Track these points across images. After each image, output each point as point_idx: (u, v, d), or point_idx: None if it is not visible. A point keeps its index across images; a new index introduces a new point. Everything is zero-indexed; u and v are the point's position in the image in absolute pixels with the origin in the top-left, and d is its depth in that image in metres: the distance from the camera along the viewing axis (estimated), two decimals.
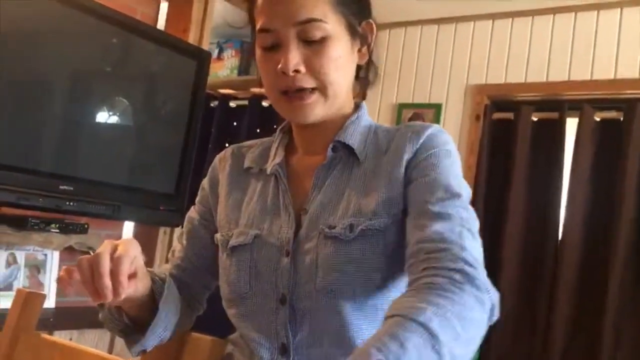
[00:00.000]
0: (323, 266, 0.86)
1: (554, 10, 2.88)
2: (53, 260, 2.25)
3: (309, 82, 0.88)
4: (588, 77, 2.78)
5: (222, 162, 1.06)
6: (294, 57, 0.87)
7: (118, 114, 2.27)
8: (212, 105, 3.71)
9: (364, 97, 1.03)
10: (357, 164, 0.93)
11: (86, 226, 2.27)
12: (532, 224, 2.79)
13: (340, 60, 0.90)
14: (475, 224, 0.85)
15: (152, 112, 2.40)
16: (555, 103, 2.84)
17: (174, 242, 1.09)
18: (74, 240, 2.24)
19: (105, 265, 0.72)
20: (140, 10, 2.57)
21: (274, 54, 0.89)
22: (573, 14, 2.85)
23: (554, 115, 2.82)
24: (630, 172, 2.56)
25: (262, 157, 1.02)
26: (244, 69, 3.79)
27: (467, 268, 0.76)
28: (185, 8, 2.55)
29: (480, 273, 0.78)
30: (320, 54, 0.88)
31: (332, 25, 0.88)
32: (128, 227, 2.64)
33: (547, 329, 2.65)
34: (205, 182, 1.08)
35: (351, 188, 0.91)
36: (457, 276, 0.75)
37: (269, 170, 0.98)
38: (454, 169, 0.89)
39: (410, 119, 3.19)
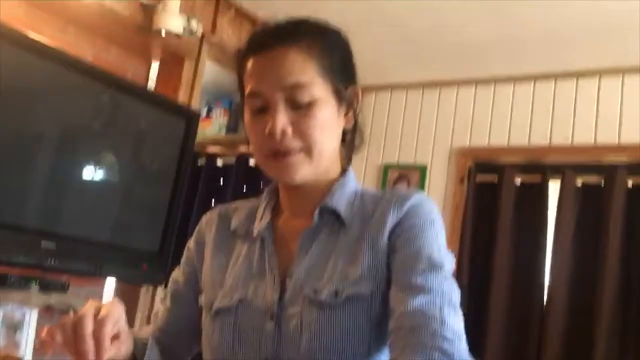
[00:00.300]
0: (307, 332, 0.85)
1: (535, 77, 2.98)
2: (31, 319, 2.19)
3: (295, 144, 0.89)
4: (569, 142, 2.85)
5: (208, 224, 1.06)
6: (281, 120, 0.88)
7: (105, 170, 2.27)
8: (199, 163, 3.73)
9: (349, 161, 1.04)
10: (343, 229, 0.94)
11: (67, 284, 2.22)
12: (518, 286, 2.79)
13: (327, 123, 0.92)
14: (456, 296, 0.85)
15: (140, 169, 2.41)
16: (538, 167, 2.89)
17: (157, 302, 1.08)
18: (53, 298, 2.19)
19: (88, 327, 0.72)
20: (131, 70, 2.61)
21: (262, 117, 0.90)
22: (553, 80, 2.95)
23: (537, 178, 2.86)
24: (612, 235, 2.59)
25: (249, 219, 1.02)
26: (232, 127, 3.83)
27: (445, 345, 0.77)
28: (175, 68, 2.60)
29: (460, 348, 0.78)
30: (306, 117, 0.89)
31: (319, 90, 0.90)
32: (109, 285, 2.60)
33: None
34: (191, 243, 1.07)
35: (337, 253, 0.91)
36: (436, 355, 0.76)
37: (255, 233, 0.98)
38: (438, 240, 0.90)
39: (395, 181, 3.22)
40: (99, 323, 0.73)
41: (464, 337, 0.81)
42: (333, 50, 0.94)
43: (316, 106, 0.90)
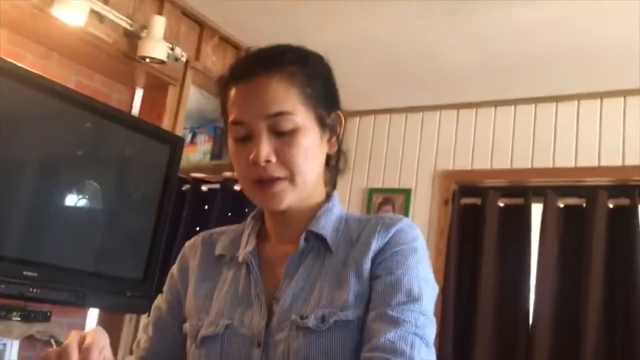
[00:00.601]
0: (294, 357, 0.84)
1: (515, 102, 3.03)
2: (12, 350, 2.15)
3: (279, 172, 0.90)
4: (550, 165, 2.88)
5: (192, 250, 1.05)
6: (265, 148, 0.89)
7: (88, 197, 2.25)
8: (183, 188, 3.72)
9: (334, 186, 1.04)
10: (328, 254, 0.93)
11: (49, 314, 2.19)
12: (504, 306, 2.80)
13: (310, 150, 0.92)
14: (430, 331, 0.86)
15: (123, 196, 2.39)
16: (520, 189, 2.92)
17: (140, 331, 1.06)
18: (35, 328, 2.15)
19: (74, 357, 0.71)
20: (115, 97, 2.61)
21: (246, 145, 0.91)
22: (533, 105, 3.00)
23: (520, 200, 2.89)
24: (595, 255, 2.62)
25: (234, 244, 1.01)
26: (216, 153, 3.83)
27: None
28: (159, 95, 2.60)
29: None
30: (290, 144, 0.90)
31: (302, 118, 0.91)
32: (92, 315, 2.56)
33: None
34: (174, 269, 1.06)
35: (322, 278, 0.91)
36: None
37: (240, 259, 0.97)
38: (419, 269, 0.90)
39: (380, 204, 3.23)
40: (84, 352, 0.72)
41: None
42: (315, 78, 0.95)
43: (299, 133, 0.91)
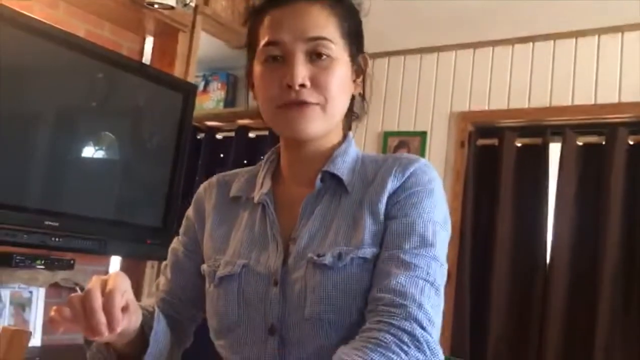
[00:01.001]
0: (311, 294, 0.85)
1: (533, 39, 2.95)
2: (39, 297, 2.22)
3: (312, 97, 0.88)
4: (569, 103, 2.83)
5: (207, 192, 1.05)
6: (302, 71, 0.87)
7: (104, 148, 2.26)
8: (198, 137, 3.72)
9: (349, 128, 1.03)
10: (345, 194, 0.93)
11: (72, 262, 2.24)
12: (520, 248, 2.81)
13: (343, 82, 0.92)
14: (442, 277, 0.86)
15: (139, 146, 2.40)
16: (538, 129, 2.88)
17: (160, 275, 1.08)
18: (60, 276, 2.21)
19: (98, 300, 0.71)
20: (126, 46, 2.58)
21: (278, 68, 0.89)
22: (552, 41, 2.91)
23: (537, 140, 2.86)
24: (614, 194, 2.59)
25: (249, 185, 1.01)
26: (230, 101, 3.82)
27: (417, 330, 0.78)
28: (170, 42, 2.57)
29: (431, 336, 0.79)
30: (326, 71, 0.89)
31: (339, 49, 0.91)
32: (115, 262, 2.62)
33: (538, 352, 2.64)
34: (190, 212, 1.07)
35: (339, 218, 0.91)
36: (405, 337, 0.77)
37: (256, 199, 0.97)
38: (435, 212, 0.89)
39: (396, 147, 3.21)
40: (107, 296, 0.72)
41: (438, 322, 0.82)
42: (352, 15, 0.95)
43: (336, 63, 0.90)
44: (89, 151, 2.22)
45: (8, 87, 1.94)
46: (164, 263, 1.07)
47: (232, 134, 3.67)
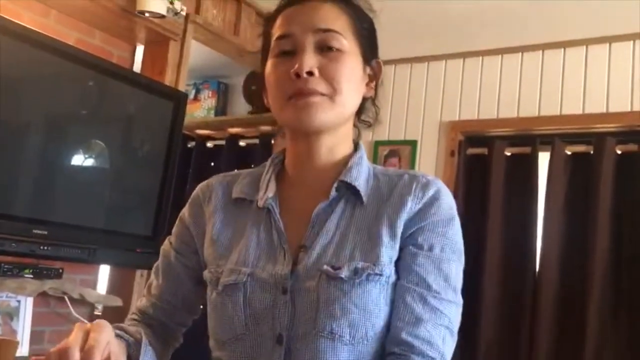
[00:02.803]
0: (325, 307, 0.84)
1: (522, 49, 2.97)
2: (27, 306, 2.20)
3: (320, 86, 0.88)
4: (557, 113, 2.85)
5: (205, 193, 1.00)
6: (310, 60, 0.87)
7: (94, 156, 2.25)
8: (189, 145, 3.72)
9: (359, 135, 1.02)
10: (359, 206, 0.92)
11: (61, 271, 2.22)
12: (510, 256, 2.82)
13: (353, 76, 0.91)
14: (458, 319, 0.90)
15: (129, 154, 2.39)
16: (527, 138, 2.90)
17: (151, 275, 1.05)
18: (48, 285, 2.19)
19: (75, 359, 0.69)
20: (116, 54, 2.58)
21: (288, 60, 0.89)
22: (541, 52, 2.94)
23: (527, 149, 2.88)
24: (603, 203, 2.61)
25: (252, 187, 0.98)
26: (220, 109, 3.82)
27: None
28: (161, 50, 2.57)
29: None
30: (335, 61, 0.89)
31: (349, 44, 0.91)
32: (104, 271, 2.60)
33: (529, 359, 2.65)
34: (184, 214, 1.02)
35: (354, 231, 0.89)
36: None
37: (260, 204, 0.94)
38: (457, 244, 0.92)
39: (386, 157, 3.22)
40: (86, 354, 0.70)
41: None
42: (364, 18, 0.96)
43: (346, 55, 0.90)
44: (79, 159, 2.21)
45: None
46: (155, 264, 1.04)
47: (223, 142, 3.66)
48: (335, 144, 0.94)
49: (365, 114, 1.02)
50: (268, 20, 0.96)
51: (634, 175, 2.62)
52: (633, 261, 2.56)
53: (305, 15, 0.90)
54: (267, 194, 0.94)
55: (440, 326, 0.86)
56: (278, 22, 0.93)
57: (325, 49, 0.89)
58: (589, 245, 2.61)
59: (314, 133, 0.92)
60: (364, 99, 0.98)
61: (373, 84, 0.98)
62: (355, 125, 1.00)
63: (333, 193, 0.92)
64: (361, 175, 0.94)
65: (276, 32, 0.92)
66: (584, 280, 2.59)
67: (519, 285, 2.76)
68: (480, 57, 3.09)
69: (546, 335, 2.63)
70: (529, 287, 2.72)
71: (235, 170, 1.05)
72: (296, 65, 0.87)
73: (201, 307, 1.04)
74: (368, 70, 0.96)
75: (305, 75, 0.87)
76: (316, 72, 0.87)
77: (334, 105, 0.89)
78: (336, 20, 0.90)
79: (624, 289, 2.56)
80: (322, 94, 0.88)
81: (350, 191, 0.93)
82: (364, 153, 0.98)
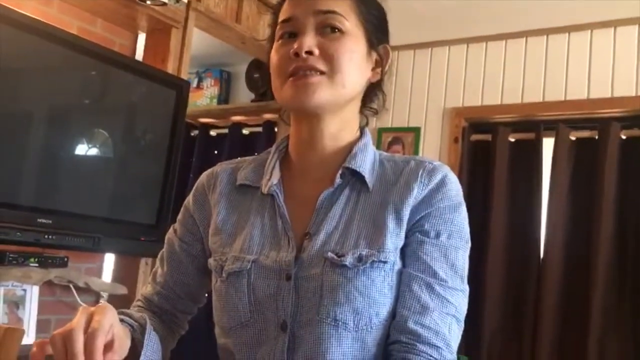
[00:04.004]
0: (329, 294, 0.84)
1: (526, 34, 2.95)
2: (32, 295, 2.21)
3: (319, 64, 0.88)
4: (562, 98, 2.84)
5: (209, 181, 1.00)
6: (309, 39, 0.88)
7: (98, 145, 2.26)
8: (192, 134, 3.72)
9: (366, 124, 1.02)
10: (364, 193, 0.92)
11: (66, 259, 2.23)
12: (514, 243, 2.82)
13: (355, 56, 0.90)
14: (465, 308, 0.90)
15: (132, 143, 2.39)
16: (531, 124, 2.89)
17: (157, 263, 1.05)
18: (53, 274, 2.20)
19: (79, 343, 0.69)
20: (118, 42, 2.57)
21: (289, 42, 0.90)
22: (545, 36, 2.92)
23: (531, 135, 2.87)
24: (607, 188, 2.61)
25: (257, 174, 0.97)
26: (223, 97, 3.81)
27: None
28: (163, 39, 2.56)
29: None
30: (336, 41, 0.89)
31: (352, 26, 0.91)
32: (108, 259, 2.61)
33: (532, 345, 2.66)
34: (189, 202, 1.02)
35: (359, 218, 0.89)
36: None
37: (265, 190, 0.94)
38: (463, 230, 0.91)
39: (390, 143, 3.22)
40: (90, 337, 0.70)
41: (455, 350, 0.87)
42: (371, 2, 0.96)
43: (346, 36, 0.90)
44: (82, 148, 2.21)
45: (0, 84, 1.93)
46: (160, 252, 1.04)
47: (226, 130, 3.66)
48: (339, 129, 0.94)
49: (371, 100, 1.01)
50: (276, 7, 0.97)
51: (639, 160, 2.61)
52: (637, 247, 2.56)
53: (309, 0, 0.91)
54: (272, 180, 0.94)
55: (447, 315, 0.86)
56: (284, 7, 0.94)
57: (327, 30, 0.89)
58: (594, 231, 2.60)
59: (315, 115, 0.91)
60: (371, 85, 0.97)
61: (379, 70, 0.97)
62: (361, 112, 0.99)
63: (338, 180, 0.91)
64: (366, 161, 0.93)
65: (281, 17, 0.93)
66: (588, 266, 2.59)
67: (523, 272, 2.76)
68: (484, 43, 3.07)
69: (550, 322, 2.63)
70: (533, 273, 2.73)
71: (238, 159, 1.04)
72: (295, 45, 0.87)
73: (206, 295, 1.05)
74: (374, 55, 0.96)
75: (304, 55, 0.87)
76: (316, 51, 0.88)
77: (333, 84, 0.88)
78: (339, 2, 0.90)
79: (628, 276, 2.56)
80: (321, 72, 0.88)
81: (355, 177, 0.93)
82: (369, 139, 0.98)
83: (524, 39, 2.97)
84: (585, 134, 2.77)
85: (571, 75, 2.84)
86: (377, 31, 0.95)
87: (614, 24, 2.75)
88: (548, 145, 2.82)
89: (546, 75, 2.90)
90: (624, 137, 2.67)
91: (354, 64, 0.91)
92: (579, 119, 2.79)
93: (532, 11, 2.76)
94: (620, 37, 2.75)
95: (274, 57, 0.92)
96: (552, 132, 2.80)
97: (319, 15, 0.89)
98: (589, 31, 2.82)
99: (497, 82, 3.02)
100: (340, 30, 0.89)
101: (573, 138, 2.79)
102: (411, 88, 3.24)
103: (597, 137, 2.72)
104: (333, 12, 0.89)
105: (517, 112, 2.95)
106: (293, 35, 0.90)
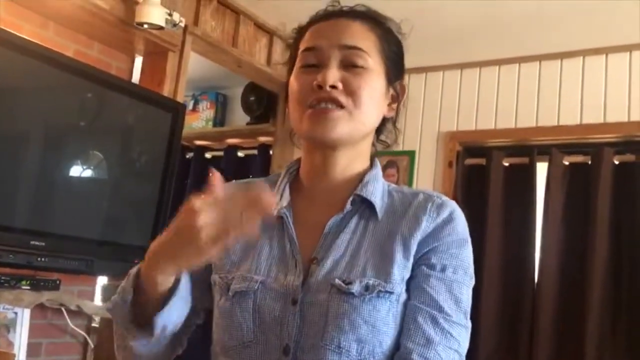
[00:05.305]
0: (333, 321, 0.84)
1: (520, 60, 2.98)
2: (24, 318, 2.19)
3: (342, 97, 0.89)
4: (555, 123, 2.86)
5: None
6: (335, 74, 0.89)
7: (92, 167, 2.25)
8: (187, 156, 3.72)
9: (375, 152, 1.03)
10: (373, 221, 0.93)
11: (58, 282, 2.22)
12: (509, 266, 2.81)
13: (375, 93, 0.92)
14: (467, 344, 0.90)
15: (127, 165, 2.39)
16: (525, 148, 2.90)
17: None
18: (45, 297, 2.18)
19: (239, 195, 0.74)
20: (115, 65, 2.59)
21: (312, 72, 0.91)
22: (538, 62, 2.95)
23: (525, 160, 2.88)
24: (601, 213, 2.62)
25: None
26: (219, 120, 3.82)
27: None
28: (159, 62, 2.58)
29: None
30: (359, 77, 0.90)
31: (374, 63, 0.92)
32: (101, 282, 2.59)
33: None
34: None
35: (367, 246, 0.90)
36: None
37: (274, 212, 0.92)
38: (469, 266, 0.93)
39: (385, 167, 3.22)
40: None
41: None
42: (392, 40, 0.97)
43: (369, 73, 0.91)
44: (77, 170, 2.21)
45: None
46: None
47: (221, 153, 3.67)
48: (352, 160, 0.96)
49: (384, 134, 1.03)
50: (298, 32, 0.98)
51: (632, 185, 2.63)
52: (632, 271, 2.56)
53: (333, 31, 0.92)
54: (282, 202, 0.95)
55: (450, 349, 0.86)
56: (307, 35, 0.95)
57: (349, 65, 0.90)
58: (588, 255, 2.60)
59: (331, 147, 0.93)
60: (384, 119, 0.99)
61: (395, 105, 0.99)
62: (373, 144, 1.02)
63: (348, 206, 0.93)
64: (377, 190, 0.95)
65: (303, 44, 0.94)
66: (583, 290, 2.58)
67: (518, 295, 2.75)
68: (478, 68, 3.10)
69: (545, 345, 2.62)
70: (528, 297, 2.72)
71: (246, 179, 1.06)
72: (319, 77, 0.89)
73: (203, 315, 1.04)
74: (391, 91, 0.98)
75: (328, 88, 0.88)
76: (339, 86, 0.89)
77: (352, 120, 0.90)
78: (363, 39, 0.92)
79: (622, 299, 2.55)
80: (342, 106, 0.89)
81: (365, 205, 0.94)
82: (379, 170, 0.99)
83: (518, 64, 3.00)
84: (578, 158, 2.79)
85: (564, 101, 2.86)
86: (395, 68, 0.97)
87: (606, 50, 2.78)
88: (542, 169, 2.83)
89: (539, 101, 2.93)
90: (616, 162, 2.68)
91: (374, 100, 0.93)
92: (572, 144, 2.81)
93: (525, 38, 2.80)
94: (612, 64, 2.78)
95: (294, 84, 0.93)
96: (546, 156, 2.81)
97: (344, 49, 0.91)
98: (582, 57, 2.85)
99: (491, 107, 3.04)
100: (363, 67, 0.91)
101: (566, 163, 2.80)
102: (406, 112, 3.23)
103: (590, 162, 2.73)
104: (358, 48, 0.91)
105: (511, 137, 2.97)
106: (315, 65, 0.91)
